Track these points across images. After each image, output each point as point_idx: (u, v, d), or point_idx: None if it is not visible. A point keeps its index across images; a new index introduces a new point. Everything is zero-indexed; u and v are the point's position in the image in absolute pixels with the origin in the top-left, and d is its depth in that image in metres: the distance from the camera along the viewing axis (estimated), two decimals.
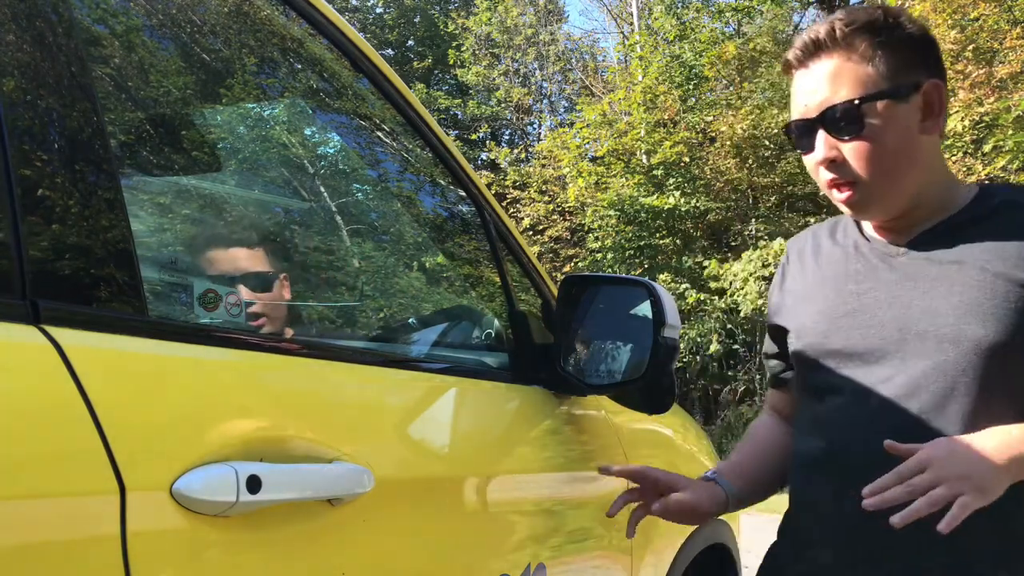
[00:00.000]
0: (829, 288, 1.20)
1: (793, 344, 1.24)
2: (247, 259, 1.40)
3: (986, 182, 1.31)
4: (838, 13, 1.14)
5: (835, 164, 1.12)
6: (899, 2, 8.54)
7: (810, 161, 1.15)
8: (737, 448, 1.42)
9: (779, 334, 1.29)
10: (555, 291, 1.48)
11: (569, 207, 13.23)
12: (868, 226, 1.21)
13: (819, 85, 1.12)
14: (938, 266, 1.11)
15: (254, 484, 0.73)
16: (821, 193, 1.24)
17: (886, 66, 1.09)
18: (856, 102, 1.09)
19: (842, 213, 1.21)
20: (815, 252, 1.27)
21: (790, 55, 1.17)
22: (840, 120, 1.10)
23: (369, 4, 20.46)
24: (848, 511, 1.09)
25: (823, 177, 1.14)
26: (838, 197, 1.14)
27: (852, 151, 1.10)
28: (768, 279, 9.85)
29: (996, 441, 1.03)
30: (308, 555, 0.82)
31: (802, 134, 1.15)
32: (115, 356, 0.70)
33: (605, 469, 1.30)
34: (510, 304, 1.41)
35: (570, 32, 21.33)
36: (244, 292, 1.33)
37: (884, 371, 1.11)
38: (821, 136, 1.12)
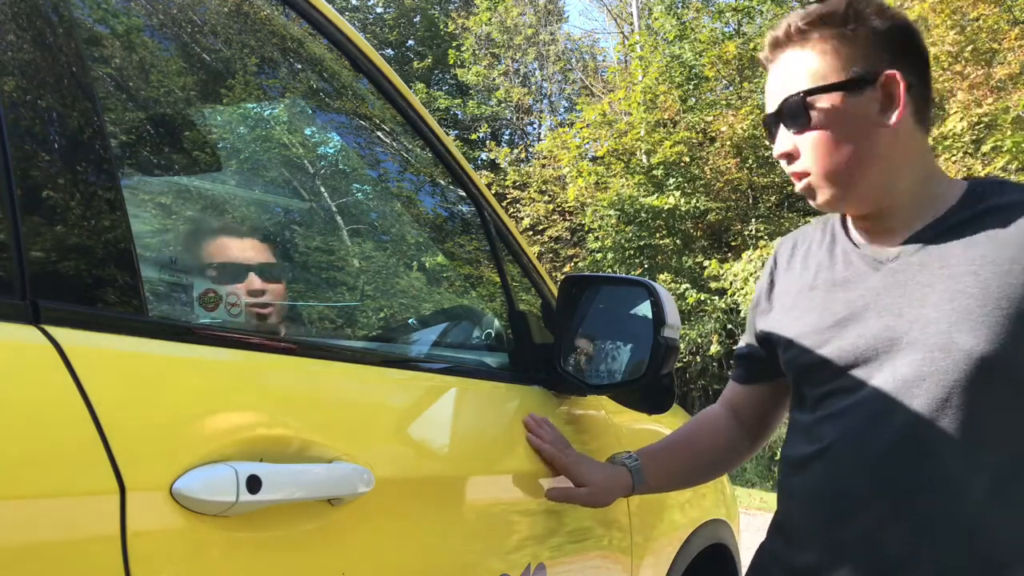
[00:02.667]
0: (819, 296, 1.18)
1: (783, 354, 1.22)
2: (255, 249, 1.40)
3: (972, 178, 1.27)
4: (803, 9, 1.14)
5: (792, 157, 1.13)
6: (898, 3, 8.55)
7: (774, 155, 1.16)
8: (675, 432, 1.42)
9: (765, 339, 1.27)
10: (555, 291, 1.48)
11: (569, 207, 13.24)
12: (855, 230, 1.20)
13: (778, 80, 1.14)
14: (929, 272, 1.09)
15: (254, 484, 0.73)
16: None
17: (838, 58, 1.09)
18: (801, 95, 1.10)
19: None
20: (804, 257, 1.25)
21: (761, 53, 1.19)
22: (792, 113, 1.11)
23: (369, 4, 20.46)
24: (842, 527, 1.11)
25: (785, 169, 1.16)
26: (798, 188, 1.15)
27: (804, 143, 1.12)
28: None
29: None
30: (308, 555, 0.82)
31: (768, 129, 1.17)
32: (115, 356, 0.70)
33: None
34: (510, 304, 1.41)
35: (570, 32, 21.34)
36: (255, 281, 1.33)
37: (876, 381, 1.09)
38: (780, 130, 1.14)
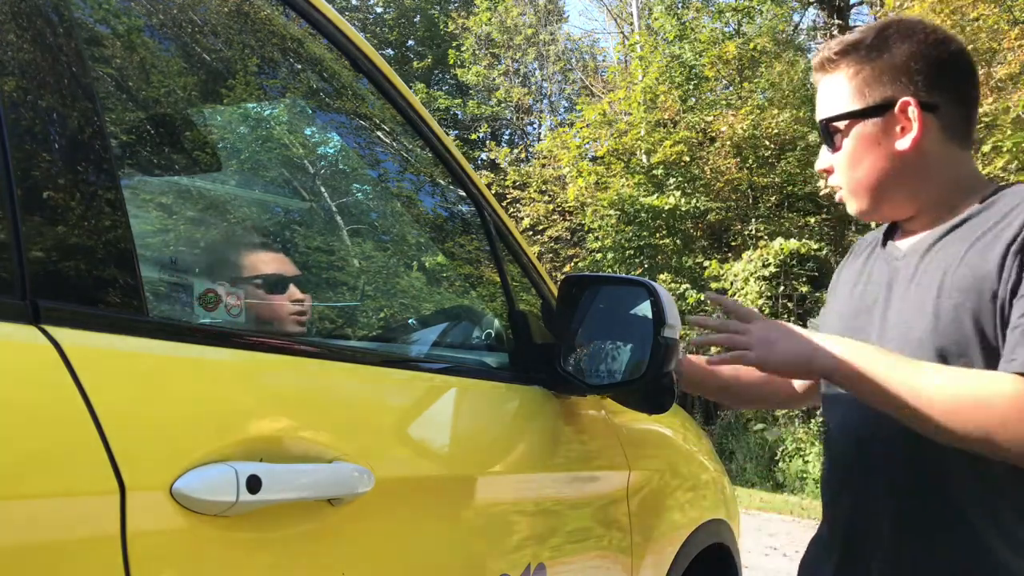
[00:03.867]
0: (846, 289, 1.34)
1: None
2: (275, 262, 1.45)
3: (1011, 183, 1.34)
4: (842, 36, 1.26)
5: (828, 172, 1.28)
6: (897, 3, 8.54)
7: (816, 170, 1.33)
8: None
9: (822, 319, 1.44)
10: (555, 291, 1.48)
11: (569, 207, 13.23)
12: (898, 229, 1.31)
13: (819, 103, 1.27)
14: (920, 272, 1.19)
15: (254, 484, 0.73)
16: (821, 193, 1.44)
17: (860, 86, 1.20)
18: (825, 121, 1.24)
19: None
20: (859, 253, 1.39)
21: (812, 75, 1.32)
22: (824, 135, 1.26)
23: (369, 4, 20.46)
24: (844, 510, 1.27)
25: (827, 182, 1.30)
26: (836, 199, 1.29)
27: (836, 161, 1.26)
28: (768, 279, 9.85)
29: (832, 342, 1.16)
30: (308, 555, 0.82)
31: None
32: (115, 356, 0.70)
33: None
34: (510, 304, 1.41)
35: (570, 32, 21.34)
36: (296, 291, 1.39)
37: None
38: (823, 147, 1.28)
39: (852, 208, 1.27)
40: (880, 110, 1.19)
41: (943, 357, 1.12)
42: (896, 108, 1.18)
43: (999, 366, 1.07)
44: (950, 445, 1.08)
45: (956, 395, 1.05)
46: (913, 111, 1.17)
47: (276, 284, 1.38)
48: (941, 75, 1.18)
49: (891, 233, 1.32)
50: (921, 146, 1.18)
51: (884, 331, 1.21)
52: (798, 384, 1.52)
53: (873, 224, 1.43)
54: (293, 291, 1.40)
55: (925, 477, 1.16)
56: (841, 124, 1.22)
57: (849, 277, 1.35)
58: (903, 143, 1.18)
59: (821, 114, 1.25)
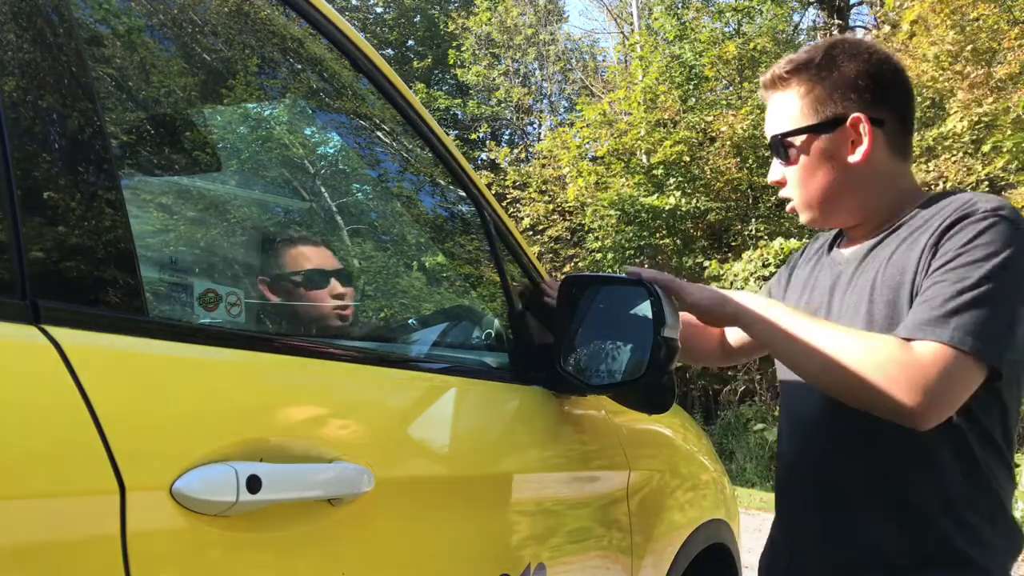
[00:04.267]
0: (795, 296, 1.43)
1: None
2: (330, 255, 1.45)
3: (939, 190, 1.52)
4: (790, 55, 1.33)
5: (781, 184, 1.34)
6: (897, 3, 8.54)
7: (768, 181, 1.39)
8: None
9: None
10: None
11: (569, 207, 13.22)
12: (844, 235, 1.40)
13: (769, 118, 1.34)
14: (857, 276, 1.28)
15: (254, 484, 0.73)
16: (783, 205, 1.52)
17: (812, 103, 1.27)
18: (780, 136, 1.30)
19: None
20: (807, 259, 1.48)
21: (759, 92, 1.38)
22: (776, 150, 1.32)
23: (369, 4, 20.46)
24: (793, 504, 1.37)
25: (779, 193, 1.37)
26: (787, 209, 1.36)
27: (788, 175, 1.32)
28: (768, 279, 9.83)
29: (745, 295, 1.27)
30: (308, 555, 0.82)
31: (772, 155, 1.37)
32: (115, 356, 0.70)
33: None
34: (510, 304, 1.41)
35: (570, 32, 21.33)
36: (337, 286, 1.39)
37: None
38: (774, 160, 1.34)
39: (804, 218, 1.35)
40: (833, 125, 1.25)
41: None
42: (848, 123, 1.24)
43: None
44: (829, 394, 1.20)
45: (843, 342, 1.14)
46: (864, 126, 1.24)
47: (315, 279, 1.37)
48: (886, 92, 1.26)
49: (837, 238, 1.41)
50: (870, 159, 1.25)
51: None
52: (732, 338, 1.60)
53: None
54: (335, 286, 1.39)
55: (872, 462, 1.24)
56: (796, 139, 1.28)
57: (798, 284, 1.44)
58: (855, 156, 1.25)
59: (775, 129, 1.31)
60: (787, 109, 1.29)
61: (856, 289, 1.26)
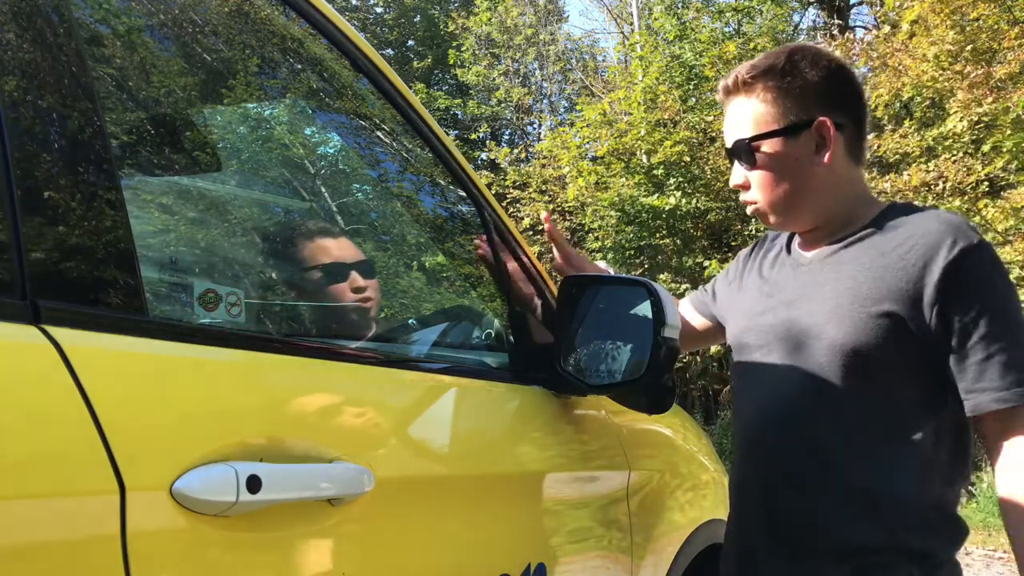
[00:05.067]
0: (753, 292, 1.45)
1: (729, 324, 1.51)
2: (352, 248, 1.44)
3: (898, 200, 1.55)
4: (751, 61, 1.34)
5: (743, 188, 1.35)
6: (897, 3, 8.53)
7: (730, 185, 1.38)
8: None
9: (723, 304, 1.58)
10: (555, 291, 1.48)
11: (569, 207, 13.22)
12: (797, 239, 1.42)
13: (731, 122, 1.34)
14: (824, 275, 1.31)
15: (254, 484, 0.73)
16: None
17: (778, 107, 1.29)
18: (747, 140, 1.30)
19: None
20: (764, 254, 1.50)
21: (717, 96, 1.39)
22: (741, 153, 1.33)
23: (369, 4, 20.46)
24: (751, 489, 1.39)
25: (741, 197, 1.38)
26: (749, 212, 1.38)
27: (752, 178, 1.33)
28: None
29: None
30: (308, 555, 0.83)
31: (729, 161, 1.38)
32: (115, 356, 0.70)
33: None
34: (510, 304, 1.41)
35: (570, 32, 21.33)
36: (358, 279, 1.39)
37: (773, 362, 1.34)
38: (735, 164, 1.35)
39: (767, 220, 1.37)
40: (799, 129, 1.28)
41: (857, 354, 1.24)
42: (813, 127, 1.28)
43: (970, 398, 1.20)
44: None
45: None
46: (828, 130, 1.27)
47: (335, 273, 1.36)
48: (845, 98, 1.31)
49: (791, 241, 1.44)
50: (832, 163, 1.29)
51: (791, 327, 1.32)
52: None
53: None
54: (355, 278, 1.38)
55: (827, 453, 1.28)
56: (761, 143, 1.30)
57: (754, 283, 1.46)
58: (819, 159, 1.29)
59: (738, 134, 1.32)
60: (751, 114, 1.31)
61: (833, 293, 1.29)
